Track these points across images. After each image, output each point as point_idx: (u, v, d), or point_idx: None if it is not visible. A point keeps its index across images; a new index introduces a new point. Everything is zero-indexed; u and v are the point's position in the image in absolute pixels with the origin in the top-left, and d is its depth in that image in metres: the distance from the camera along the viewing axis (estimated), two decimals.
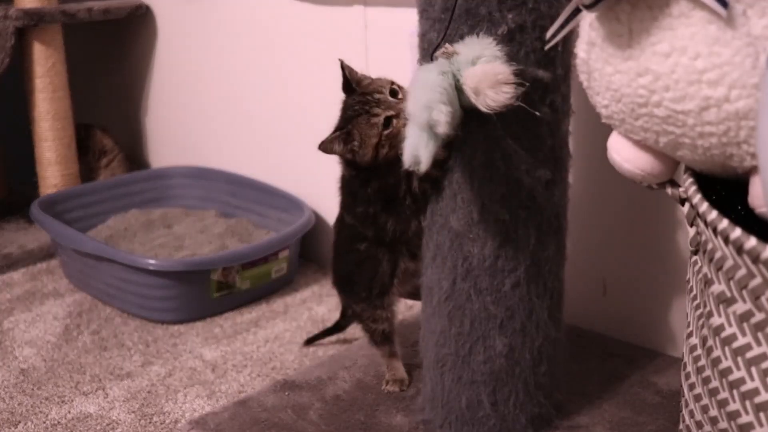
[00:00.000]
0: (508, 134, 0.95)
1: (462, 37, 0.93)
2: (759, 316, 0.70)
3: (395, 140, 1.00)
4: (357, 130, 1.02)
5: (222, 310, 1.51)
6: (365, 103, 1.03)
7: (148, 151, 2.08)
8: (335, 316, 1.48)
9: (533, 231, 1.00)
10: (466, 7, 0.92)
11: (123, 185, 1.87)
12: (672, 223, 1.23)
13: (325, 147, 1.02)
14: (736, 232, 0.70)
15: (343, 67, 1.06)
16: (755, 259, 0.68)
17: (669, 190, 0.88)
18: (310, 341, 1.38)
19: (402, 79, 1.45)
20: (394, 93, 1.04)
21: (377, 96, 1.03)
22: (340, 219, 1.16)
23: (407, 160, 0.84)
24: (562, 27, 0.83)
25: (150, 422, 1.16)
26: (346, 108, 1.06)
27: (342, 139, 1.03)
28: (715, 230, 0.74)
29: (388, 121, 1.01)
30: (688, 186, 0.82)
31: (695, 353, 0.82)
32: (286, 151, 1.73)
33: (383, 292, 1.12)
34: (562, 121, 1.00)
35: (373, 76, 1.50)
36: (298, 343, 1.39)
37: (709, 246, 0.76)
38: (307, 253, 1.71)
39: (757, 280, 0.69)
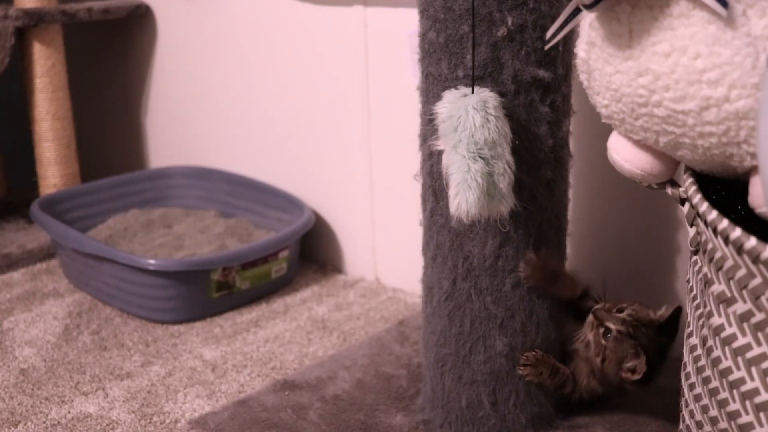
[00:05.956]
0: None
1: (462, 38, 0.94)
2: (759, 316, 0.70)
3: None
4: None
5: (222, 310, 1.51)
6: None
7: (148, 151, 2.08)
8: (335, 315, 1.48)
9: (533, 231, 1.00)
10: (466, 6, 0.92)
11: (123, 185, 1.87)
12: (672, 223, 1.23)
13: None
14: (736, 232, 0.70)
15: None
16: (755, 259, 0.68)
17: (669, 190, 0.88)
18: None
19: (401, 78, 1.46)
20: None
21: None
22: None
23: None
24: (562, 27, 0.83)
25: (150, 422, 1.16)
26: None
27: None
28: (715, 230, 0.74)
29: None
30: (688, 186, 0.82)
31: (695, 353, 0.82)
32: (286, 151, 1.73)
33: None
34: (563, 121, 1.00)
35: (373, 76, 1.51)
36: (298, 343, 1.39)
37: (709, 246, 0.76)
38: (307, 253, 1.71)
39: (757, 280, 0.69)
